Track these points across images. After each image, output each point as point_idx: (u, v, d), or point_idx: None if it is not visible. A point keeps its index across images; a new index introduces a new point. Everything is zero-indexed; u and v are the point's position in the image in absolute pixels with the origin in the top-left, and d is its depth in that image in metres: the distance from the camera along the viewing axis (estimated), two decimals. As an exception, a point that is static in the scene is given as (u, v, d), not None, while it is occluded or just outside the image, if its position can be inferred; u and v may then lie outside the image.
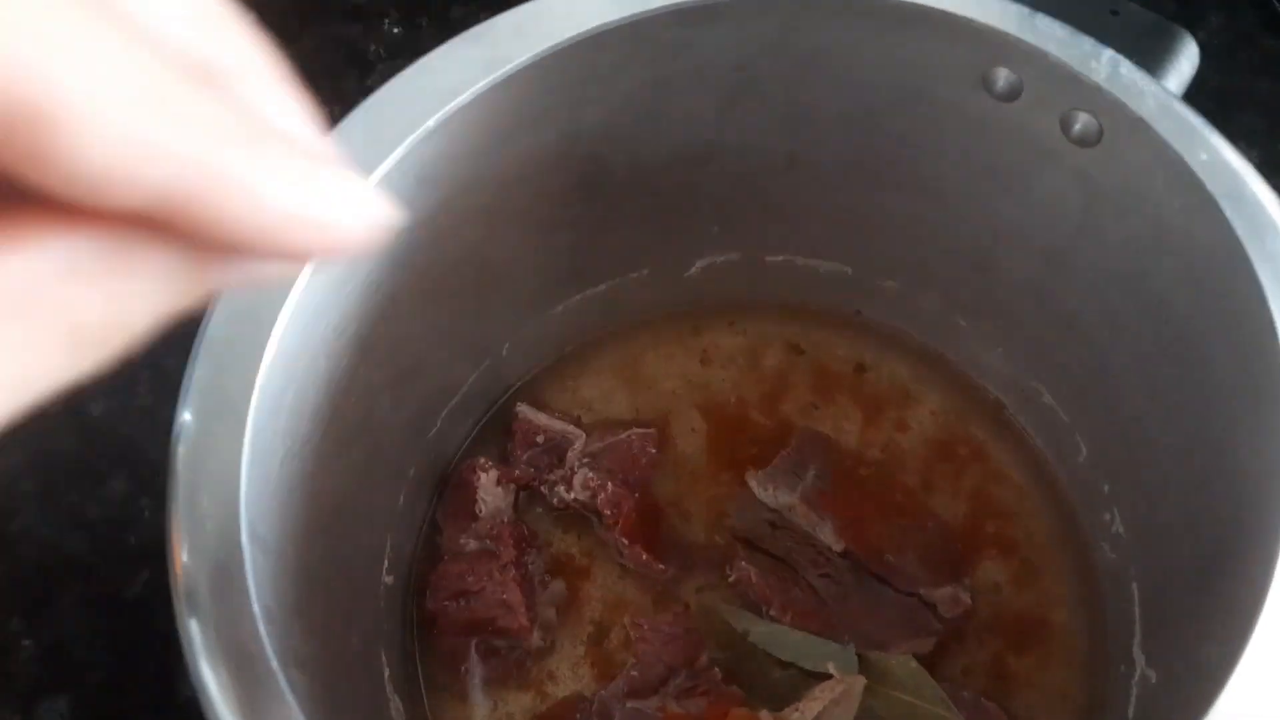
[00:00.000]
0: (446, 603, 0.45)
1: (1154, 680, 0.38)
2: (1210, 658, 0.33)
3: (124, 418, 0.51)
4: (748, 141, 0.42)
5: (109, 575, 0.48)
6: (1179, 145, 0.30)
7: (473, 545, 0.46)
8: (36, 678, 0.46)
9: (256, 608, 0.26)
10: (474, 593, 0.45)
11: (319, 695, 0.32)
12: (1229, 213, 0.29)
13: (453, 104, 0.32)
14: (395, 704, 0.42)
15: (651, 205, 0.45)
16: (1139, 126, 0.31)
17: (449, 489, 0.48)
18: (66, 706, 0.46)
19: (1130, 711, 0.39)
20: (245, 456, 0.28)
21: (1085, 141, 0.34)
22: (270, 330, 0.29)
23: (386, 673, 0.42)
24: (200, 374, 0.29)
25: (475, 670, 0.45)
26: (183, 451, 0.28)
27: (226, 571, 0.27)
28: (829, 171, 0.43)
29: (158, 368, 0.52)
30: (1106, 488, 0.43)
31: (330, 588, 0.38)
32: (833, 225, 0.46)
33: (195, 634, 0.26)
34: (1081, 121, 0.34)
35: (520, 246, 0.43)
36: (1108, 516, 0.44)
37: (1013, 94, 0.35)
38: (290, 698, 0.25)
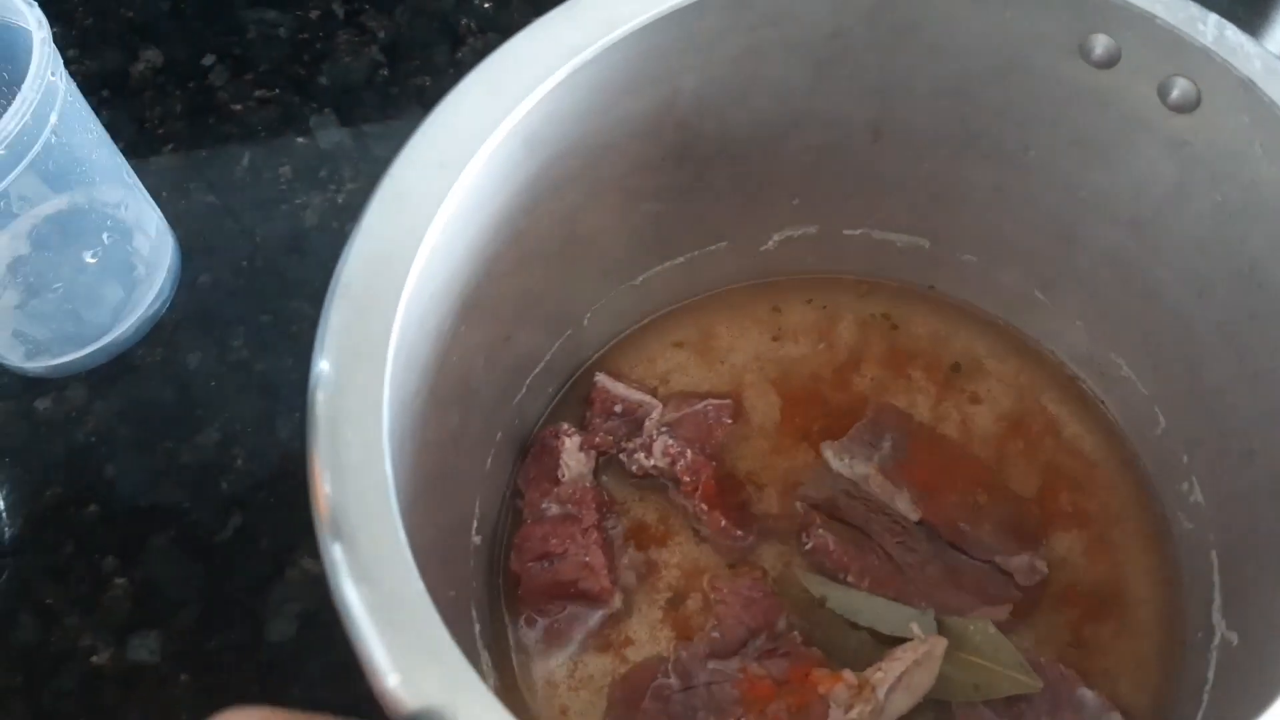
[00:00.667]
0: (530, 564, 0.46)
1: (1234, 644, 0.39)
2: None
3: (218, 370, 0.53)
4: (835, 112, 0.43)
5: (201, 520, 0.50)
6: (1286, 106, 0.31)
7: (555, 509, 0.47)
8: (129, 613, 0.48)
9: (402, 533, 0.27)
10: (557, 554, 0.46)
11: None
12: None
13: (574, 62, 0.33)
14: (485, 659, 0.43)
15: (735, 176, 0.46)
16: (1243, 89, 0.32)
17: (530, 454, 0.49)
18: (156, 642, 0.47)
19: (1210, 674, 0.40)
20: (387, 393, 0.29)
21: (1183, 108, 0.35)
22: (404, 283, 0.31)
23: (477, 628, 0.44)
24: (335, 321, 0.30)
25: (558, 631, 0.46)
26: (322, 397, 0.29)
27: (368, 501, 0.28)
28: (915, 143, 0.44)
29: (252, 323, 0.55)
30: (1185, 458, 0.44)
31: (429, 544, 0.39)
32: (914, 198, 0.47)
33: (339, 558, 0.27)
34: (1180, 87, 0.34)
35: (610, 214, 0.44)
36: (1186, 486, 0.44)
37: (1110, 61, 0.35)
38: (438, 618, 0.26)
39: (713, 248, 0.50)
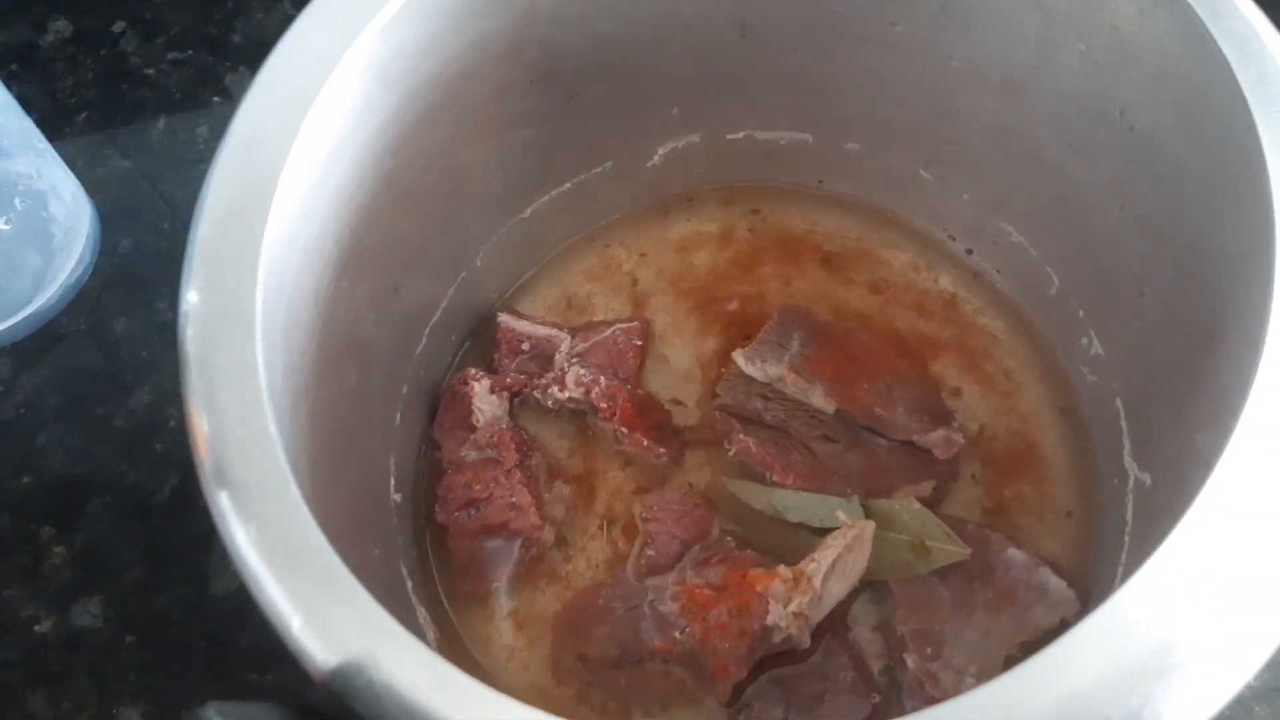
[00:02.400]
0: (457, 513, 0.45)
1: (1148, 484, 0.40)
2: (1202, 447, 0.34)
3: (146, 334, 0.53)
4: (699, 13, 0.42)
5: (137, 482, 0.50)
6: (1131, -57, 0.31)
7: (474, 455, 0.47)
8: (69, 580, 0.48)
9: (285, 462, 0.26)
10: (483, 500, 0.45)
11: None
12: (1196, 6, 0.29)
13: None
14: (421, 613, 0.43)
15: (609, 92, 0.45)
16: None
17: (442, 404, 0.48)
18: (99, 607, 0.47)
19: (1129, 517, 0.41)
20: (259, 347, 0.28)
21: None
22: (260, 236, 0.29)
23: (409, 584, 0.43)
24: (198, 279, 0.28)
25: (495, 573, 0.46)
26: (191, 332, 0.28)
27: (252, 435, 0.26)
28: (783, 34, 0.43)
29: (177, 285, 0.54)
30: (1081, 313, 0.45)
31: (344, 507, 0.38)
32: (791, 93, 0.46)
33: (226, 505, 0.26)
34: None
35: (483, 145, 0.43)
36: (1085, 341, 0.45)
37: (960, -78, 0.35)
38: (334, 554, 0.25)
39: (598, 170, 0.49)
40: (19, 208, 0.50)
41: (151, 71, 0.59)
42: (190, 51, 0.60)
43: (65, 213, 0.52)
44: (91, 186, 0.55)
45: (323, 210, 0.35)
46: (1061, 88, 0.38)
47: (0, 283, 0.50)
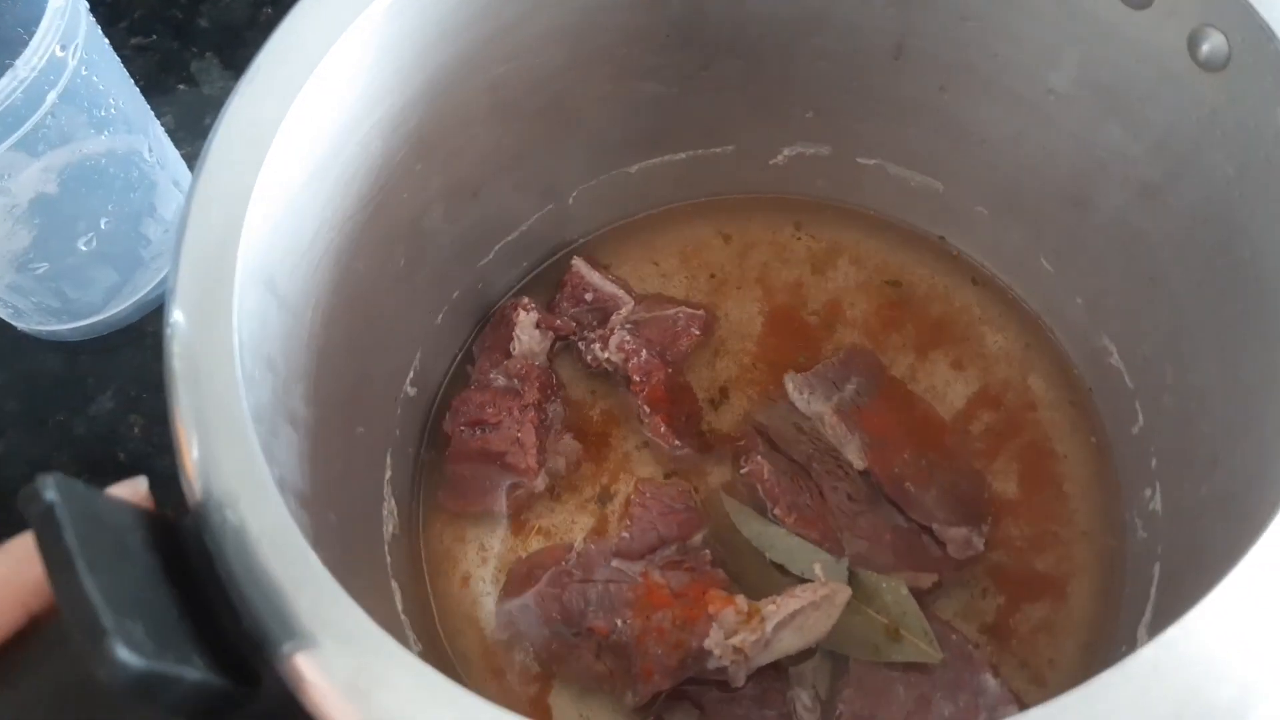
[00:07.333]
0: (463, 428, 0.46)
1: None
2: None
3: (109, 336, 0.50)
4: (857, 20, 0.40)
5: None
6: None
7: (500, 381, 0.47)
8: None
9: (276, 485, 0.25)
10: (491, 424, 0.45)
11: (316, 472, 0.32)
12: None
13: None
14: (389, 505, 0.43)
15: (746, 71, 0.43)
16: (1269, 45, 0.28)
17: (489, 323, 0.48)
18: None
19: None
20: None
21: (1211, 65, 0.31)
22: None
23: (387, 474, 0.43)
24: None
25: (477, 500, 0.45)
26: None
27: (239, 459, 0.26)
28: (936, 67, 0.40)
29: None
30: (1154, 463, 0.41)
31: (349, 375, 0.38)
32: (932, 132, 0.44)
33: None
34: (1211, 41, 0.30)
35: (601, 86, 0.42)
36: (1149, 493, 0.41)
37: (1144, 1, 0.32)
38: (324, 571, 0.24)
39: (718, 150, 0.48)
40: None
41: (115, 56, 0.57)
42: (154, 37, 0.57)
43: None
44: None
45: (408, 91, 0.35)
46: (1199, 203, 0.34)
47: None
